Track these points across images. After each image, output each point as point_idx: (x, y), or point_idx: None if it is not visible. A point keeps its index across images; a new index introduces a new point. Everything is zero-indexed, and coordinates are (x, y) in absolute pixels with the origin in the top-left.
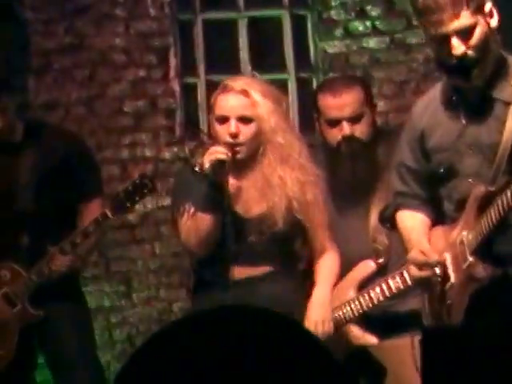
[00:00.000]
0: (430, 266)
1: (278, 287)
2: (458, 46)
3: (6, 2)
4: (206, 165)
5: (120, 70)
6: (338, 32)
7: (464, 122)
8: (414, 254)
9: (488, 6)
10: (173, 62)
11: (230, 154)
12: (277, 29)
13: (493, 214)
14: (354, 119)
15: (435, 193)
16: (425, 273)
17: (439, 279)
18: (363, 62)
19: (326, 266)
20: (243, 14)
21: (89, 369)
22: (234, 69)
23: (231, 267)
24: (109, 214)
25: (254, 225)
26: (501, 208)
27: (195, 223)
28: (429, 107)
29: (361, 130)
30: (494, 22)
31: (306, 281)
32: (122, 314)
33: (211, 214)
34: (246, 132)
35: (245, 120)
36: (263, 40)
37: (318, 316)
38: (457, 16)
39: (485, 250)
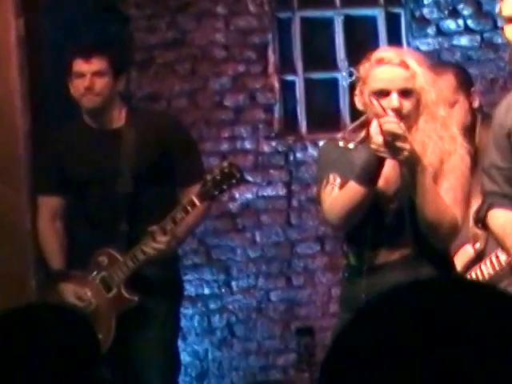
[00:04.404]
0: None
1: (412, 274)
2: None
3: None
4: (376, 136)
5: (220, 64)
6: (431, 30)
7: None
8: None
9: None
10: (271, 58)
11: (404, 128)
12: (371, 26)
13: None
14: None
15: None
16: None
17: None
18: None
19: None
20: (339, 12)
21: (163, 366)
22: (331, 66)
23: (371, 251)
24: (196, 201)
25: (390, 201)
26: None
27: (346, 195)
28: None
29: (456, 117)
30: None
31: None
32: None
33: (367, 187)
34: (408, 105)
35: (406, 93)
36: (358, 37)
37: None
38: None
39: None
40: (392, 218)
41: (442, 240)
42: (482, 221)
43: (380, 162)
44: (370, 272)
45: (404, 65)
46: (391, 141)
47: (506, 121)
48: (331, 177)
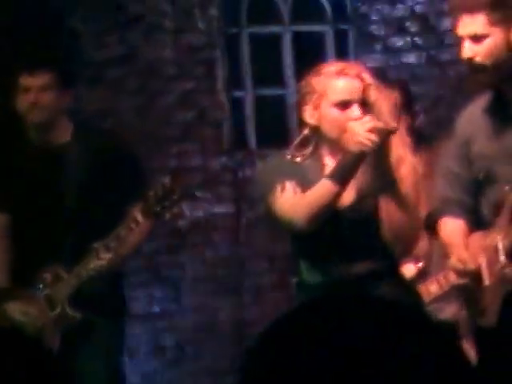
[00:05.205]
0: (467, 274)
1: (373, 287)
2: (467, 50)
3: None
4: (367, 134)
5: (169, 81)
6: (378, 47)
7: (502, 130)
8: (453, 262)
9: None
10: (220, 74)
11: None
12: (320, 43)
13: None
14: None
15: (476, 201)
16: (463, 280)
17: (475, 283)
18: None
19: None
20: (288, 28)
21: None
22: (280, 82)
23: (332, 266)
24: (139, 218)
25: (346, 215)
26: None
27: (316, 194)
28: (472, 115)
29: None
30: None
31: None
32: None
33: (341, 186)
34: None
35: (363, 104)
36: (307, 53)
37: None
38: (473, 22)
39: None
40: (350, 230)
41: (406, 246)
42: (431, 227)
43: (359, 161)
44: (330, 287)
45: (359, 77)
46: (380, 137)
47: (466, 129)
48: (288, 184)
